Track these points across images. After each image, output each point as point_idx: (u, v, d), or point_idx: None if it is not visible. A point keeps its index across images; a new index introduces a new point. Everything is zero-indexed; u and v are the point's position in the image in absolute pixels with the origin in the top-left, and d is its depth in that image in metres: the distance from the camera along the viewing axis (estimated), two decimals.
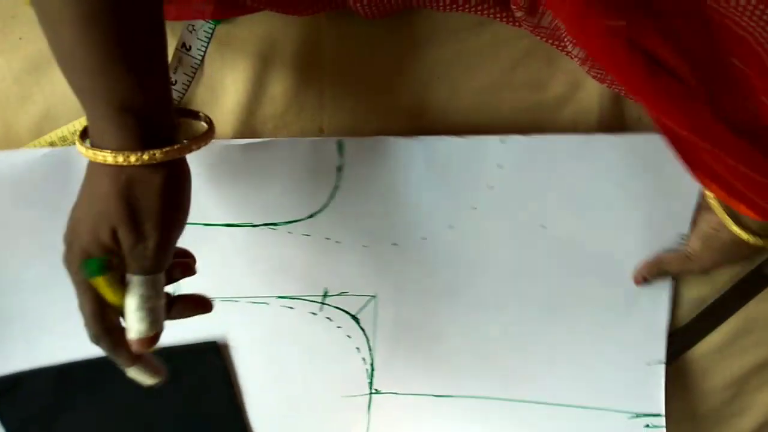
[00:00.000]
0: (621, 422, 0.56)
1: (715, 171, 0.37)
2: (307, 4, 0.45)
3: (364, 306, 0.55)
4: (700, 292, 0.54)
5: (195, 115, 0.44)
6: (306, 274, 0.54)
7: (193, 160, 0.38)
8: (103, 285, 0.35)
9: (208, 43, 0.48)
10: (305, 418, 0.58)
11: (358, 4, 0.44)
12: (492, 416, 0.57)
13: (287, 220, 0.52)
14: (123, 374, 0.39)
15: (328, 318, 0.55)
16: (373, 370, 0.56)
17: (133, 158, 0.33)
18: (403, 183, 0.51)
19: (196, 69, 0.48)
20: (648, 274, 0.52)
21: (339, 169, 0.50)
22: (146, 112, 0.33)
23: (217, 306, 0.51)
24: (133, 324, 0.36)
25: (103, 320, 0.36)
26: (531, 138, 0.50)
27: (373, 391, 0.57)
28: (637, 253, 0.52)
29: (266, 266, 0.53)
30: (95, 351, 0.37)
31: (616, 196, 0.50)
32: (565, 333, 0.55)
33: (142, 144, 0.33)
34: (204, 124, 0.43)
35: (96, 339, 0.37)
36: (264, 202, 0.51)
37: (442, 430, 0.58)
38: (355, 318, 0.55)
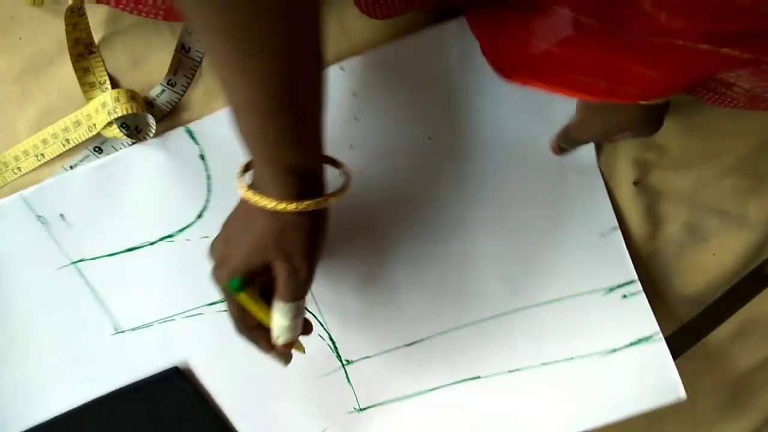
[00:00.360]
0: (597, 301, 0.52)
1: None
2: None
3: None
4: (700, 292, 0.53)
5: (337, 164, 0.46)
6: None
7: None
8: (245, 300, 0.42)
9: None
10: (291, 411, 0.56)
11: (363, 3, 0.44)
12: (469, 343, 0.54)
13: (179, 228, 0.50)
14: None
15: None
16: (334, 343, 0.54)
17: (290, 207, 0.39)
18: None
19: (195, 71, 0.48)
20: (561, 143, 0.49)
21: (202, 157, 0.48)
22: (306, 173, 0.39)
23: (157, 330, 0.52)
24: (280, 334, 0.43)
25: (244, 323, 0.44)
26: (370, 52, 0.46)
27: (345, 362, 0.55)
28: (543, 125, 0.48)
29: (182, 279, 0.52)
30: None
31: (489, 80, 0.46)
32: (511, 236, 0.52)
33: (298, 197, 0.39)
34: (343, 176, 0.45)
35: (240, 334, 0.45)
36: (148, 217, 0.50)
37: (428, 374, 0.55)
38: None
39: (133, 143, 0.49)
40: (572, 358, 0.53)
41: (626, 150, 0.50)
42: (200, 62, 0.47)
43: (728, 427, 0.58)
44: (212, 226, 0.50)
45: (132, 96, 0.48)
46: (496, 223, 0.51)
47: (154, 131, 0.48)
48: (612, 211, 0.51)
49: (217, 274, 0.43)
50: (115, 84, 0.49)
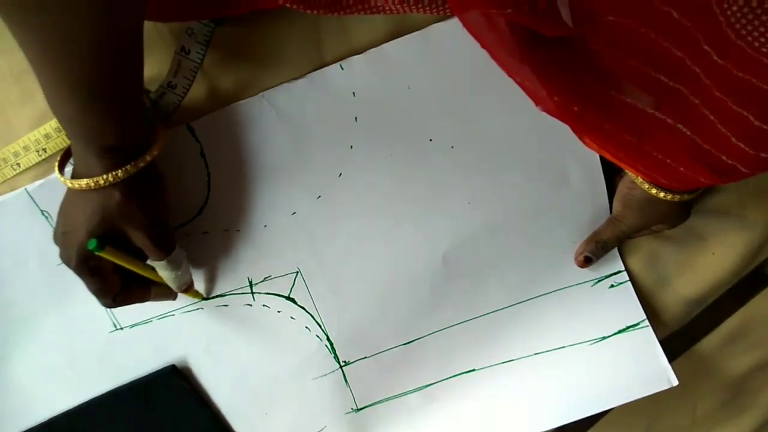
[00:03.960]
0: (585, 293, 0.53)
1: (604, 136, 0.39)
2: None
3: (293, 284, 0.53)
4: (700, 292, 0.53)
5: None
6: (223, 269, 0.53)
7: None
8: (111, 256, 0.43)
9: (207, 46, 0.47)
10: (288, 410, 0.56)
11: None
12: (463, 339, 0.54)
13: (180, 224, 0.51)
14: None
15: (265, 306, 0.53)
16: (332, 344, 0.54)
17: (116, 176, 0.41)
18: (264, 141, 0.49)
19: (196, 72, 0.48)
20: (589, 252, 0.51)
21: (202, 154, 0.49)
22: (125, 145, 0.41)
23: (156, 326, 0.52)
24: (172, 284, 0.48)
25: (107, 293, 0.46)
26: (370, 52, 0.47)
27: (342, 363, 0.55)
28: (543, 124, 0.48)
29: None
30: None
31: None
32: (504, 235, 0.52)
33: (118, 165, 0.41)
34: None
35: (109, 306, 0.47)
36: None
37: (423, 370, 0.55)
38: (290, 299, 0.53)
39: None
40: (563, 347, 0.54)
41: None
42: (201, 63, 0.47)
43: (728, 427, 0.58)
44: (212, 222, 0.51)
45: None
46: (489, 223, 0.51)
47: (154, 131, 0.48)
48: (609, 208, 0.51)
49: (65, 255, 0.44)
50: None
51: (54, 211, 0.49)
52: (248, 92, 0.48)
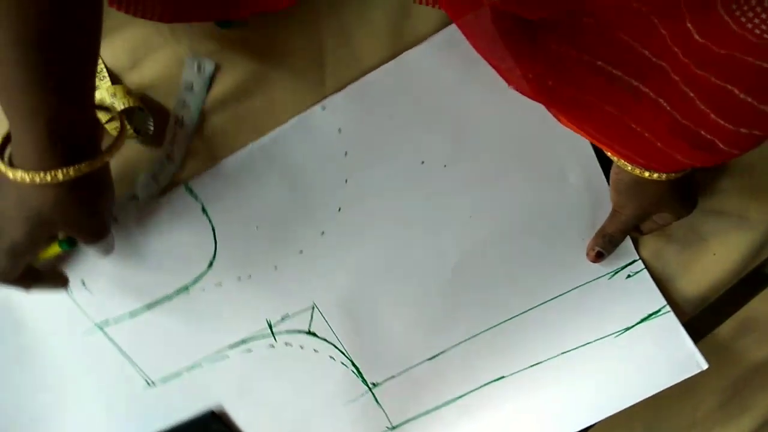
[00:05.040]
0: (604, 287, 0.53)
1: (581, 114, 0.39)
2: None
3: (311, 318, 0.54)
4: (700, 293, 0.53)
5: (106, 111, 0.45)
6: (241, 316, 0.54)
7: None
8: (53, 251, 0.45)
9: (199, 113, 0.49)
10: None
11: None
12: (487, 348, 0.55)
13: (193, 280, 0.52)
14: None
15: (287, 344, 0.55)
16: (357, 368, 0.55)
17: (67, 173, 0.36)
18: (262, 188, 0.50)
19: (191, 140, 0.49)
20: (598, 247, 0.51)
21: (204, 211, 0.50)
22: (73, 132, 0.37)
23: (187, 378, 0.54)
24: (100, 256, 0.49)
25: (24, 281, 0.45)
26: (349, 88, 0.48)
27: (371, 385, 0.56)
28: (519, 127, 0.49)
29: (202, 326, 0.54)
30: None
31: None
32: (513, 240, 0.53)
33: (69, 161, 0.37)
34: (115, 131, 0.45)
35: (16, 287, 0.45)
36: (161, 273, 0.52)
37: (453, 383, 0.56)
38: (310, 333, 0.54)
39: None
40: (589, 343, 0.54)
41: None
42: (194, 130, 0.48)
43: (728, 427, 0.58)
44: (224, 273, 0.52)
45: (128, 91, 0.48)
46: (494, 232, 0.52)
47: (152, 129, 0.48)
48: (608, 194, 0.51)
49: None
50: (115, 83, 0.48)
51: (72, 282, 0.50)
52: (247, 90, 0.49)
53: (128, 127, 0.45)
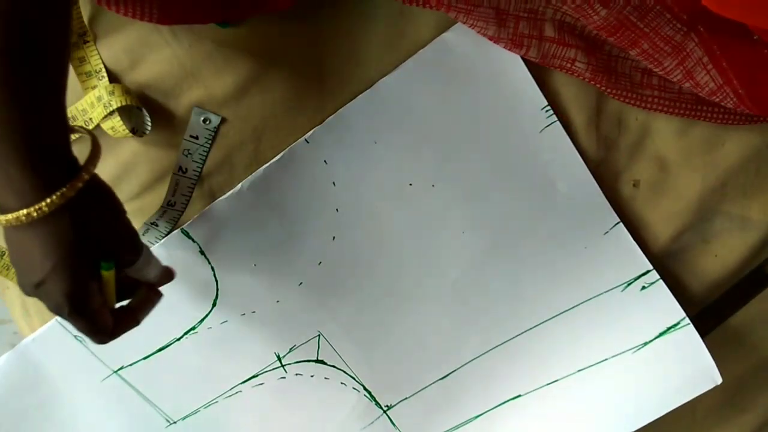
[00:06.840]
0: (617, 300, 0.52)
1: None
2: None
3: (319, 347, 0.55)
4: (701, 294, 0.53)
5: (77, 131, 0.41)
6: (250, 351, 0.55)
7: None
8: (110, 281, 0.39)
9: (204, 162, 0.50)
10: None
11: None
12: (501, 365, 0.55)
13: (199, 320, 0.53)
14: None
15: (298, 374, 0.55)
16: (369, 392, 0.56)
17: (56, 200, 0.34)
18: (256, 225, 0.51)
19: (193, 188, 0.50)
20: None
21: (202, 252, 0.51)
22: (50, 153, 0.34)
23: (204, 415, 0.56)
24: (150, 279, 0.44)
25: (104, 329, 0.40)
26: (329, 120, 0.49)
27: (385, 407, 0.56)
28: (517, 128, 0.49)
29: (213, 364, 0.55)
30: None
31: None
32: (517, 257, 0.52)
33: (51, 185, 0.34)
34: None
35: (104, 342, 0.41)
36: (168, 316, 0.53)
37: (470, 402, 0.56)
38: (320, 361, 0.55)
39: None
40: (606, 359, 0.53)
41: (626, 150, 0.50)
42: (197, 179, 0.49)
43: (728, 427, 0.56)
44: (228, 311, 0.53)
45: (126, 90, 0.48)
46: (488, 246, 0.52)
47: (150, 128, 0.49)
48: (609, 207, 0.50)
49: (53, 305, 0.37)
50: (114, 82, 0.49)
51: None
52: (247, 90, 0.49)
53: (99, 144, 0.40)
